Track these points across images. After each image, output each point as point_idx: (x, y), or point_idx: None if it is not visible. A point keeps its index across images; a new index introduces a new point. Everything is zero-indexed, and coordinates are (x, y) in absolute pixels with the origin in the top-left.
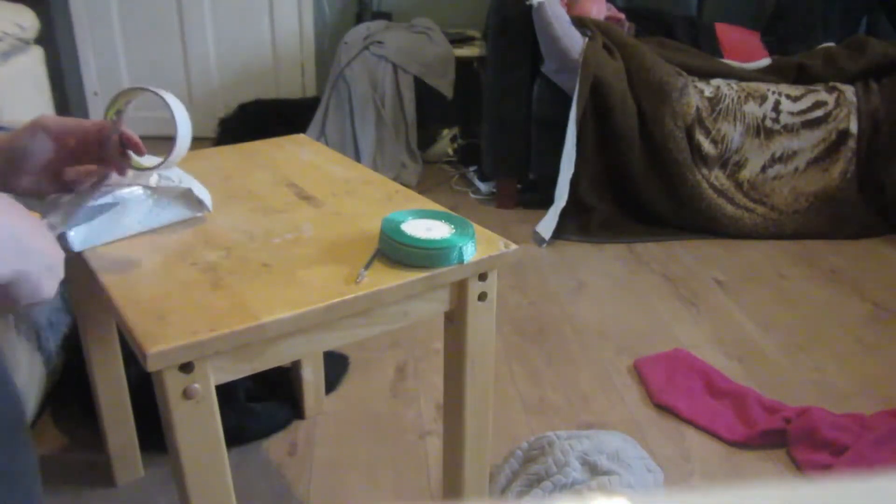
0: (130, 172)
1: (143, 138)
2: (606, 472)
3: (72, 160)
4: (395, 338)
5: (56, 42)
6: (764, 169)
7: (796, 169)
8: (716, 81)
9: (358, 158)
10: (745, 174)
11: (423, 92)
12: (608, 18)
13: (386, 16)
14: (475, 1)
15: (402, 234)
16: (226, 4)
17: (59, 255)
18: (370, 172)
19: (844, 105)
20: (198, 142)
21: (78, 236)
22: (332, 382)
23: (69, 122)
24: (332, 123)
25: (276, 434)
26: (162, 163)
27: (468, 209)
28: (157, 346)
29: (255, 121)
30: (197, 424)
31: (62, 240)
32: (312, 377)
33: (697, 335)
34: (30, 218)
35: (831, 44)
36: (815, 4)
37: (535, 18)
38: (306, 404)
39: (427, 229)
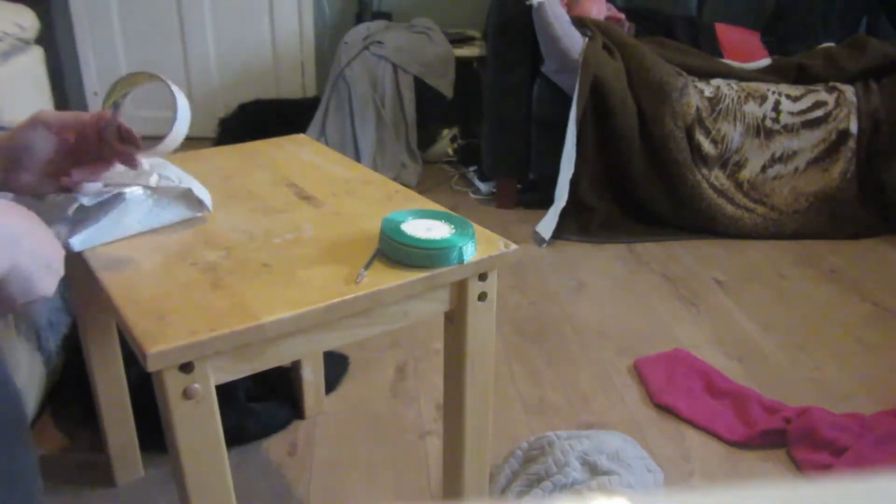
0: (145, 162)
1: (141, 138)
2: (606, 472)
3: (72, 155)
4: (395, 338)
5: (56, 42)
6: (764, 169)
7: (796, 169)
8: (716, 81)
9: (358, 158)
10: (745, 174)
11: (423, 92)
12: (608, 18)
13: (386, 16)
14: (475, 1)
15: (402, 234)
16: (226, 4)
17: (59, 253)
18: (370, 172)
19: (844, 105)
20: (198, 142)
21: (78, 237)
22: (332, 382)
23: (68, 115)
24: (332, 123)
25: (276, 434)
26: (161, 142)
27: (468, 209)
28: (157, 346)
29: (255, 121)
30: (197, 424)
31: (62, 240)
32: (312, 377)
33: (697, 335)
34: (29, 216)
35: (831, 44)
36: (815, 4)
37: (535, 18)
38: (306, 404)
39: (427, 229)
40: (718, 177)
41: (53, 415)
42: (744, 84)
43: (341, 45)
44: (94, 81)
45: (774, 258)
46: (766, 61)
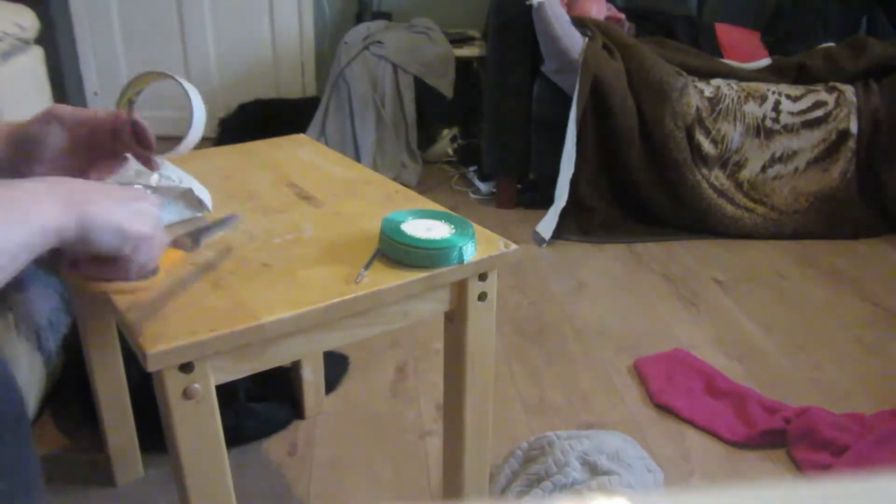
0: (163, 162)
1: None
2: (606, 472)
3: (84, 151)
4: (395, 338)
5: (56, 42)
6: (764, 169)
7: (796, 169)
8: (716, 81)
9: (358, 158)
10: (745, 174)
11: (423, 92)
12: (608, 18)
13: (386, 16)
14: (475, 1)
15: (402, 234)
16: (226, 4)
17: (132, 194)
18: (370, 172)
19: (844, 105)
20: (198, 142)
21: None
22: (332, 382)
23: (84, 112)
24: (332, 123)
25: (276, 434)
26: (180, 143)
27: (468, 209)
28: (157, 346)
29: (255, 121)
30: (197, 424)
31: None
32: (312, 377)
33: (697, 335)
34: (88, 185)
35: (831, 44)
36: (815, 4)
37: (535, 18)
38: (306, 404)
39: (427, 229)
40: (718, 177)
41: (53, 415)
42: (744, 84)
43: (341, 45)
44: (94, 81)
45: (774, 258)
46: (766, 61)
